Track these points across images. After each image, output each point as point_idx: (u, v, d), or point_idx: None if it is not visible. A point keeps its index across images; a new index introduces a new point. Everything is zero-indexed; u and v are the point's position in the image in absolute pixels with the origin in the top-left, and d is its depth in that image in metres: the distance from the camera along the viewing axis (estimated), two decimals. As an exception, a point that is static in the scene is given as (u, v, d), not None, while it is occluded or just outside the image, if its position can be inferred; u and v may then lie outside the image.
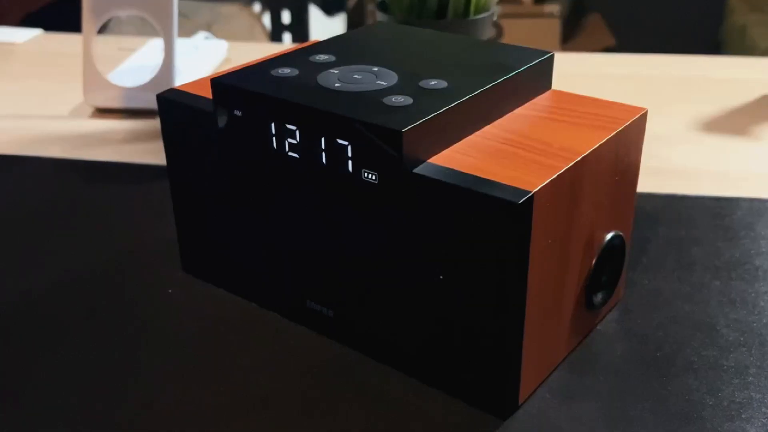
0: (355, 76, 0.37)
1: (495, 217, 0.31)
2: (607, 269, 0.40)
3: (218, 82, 0.37)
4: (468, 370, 0.35)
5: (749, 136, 0.62)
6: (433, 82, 0.36)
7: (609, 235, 0.38)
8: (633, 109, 0.38)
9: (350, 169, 0.34)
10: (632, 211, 0.40)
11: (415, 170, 0.33)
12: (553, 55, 0.40)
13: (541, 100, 0.39)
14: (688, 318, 0.41)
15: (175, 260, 0.46)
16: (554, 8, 1.83)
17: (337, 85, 0.36)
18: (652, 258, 0.46)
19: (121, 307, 0.43)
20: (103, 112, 0.67)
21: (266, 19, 1.20)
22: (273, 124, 0.36)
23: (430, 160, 0.34)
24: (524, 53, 0.40)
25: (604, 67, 0.77)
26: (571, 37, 1.89)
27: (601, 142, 0.35)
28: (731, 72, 0.75)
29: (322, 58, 0.39)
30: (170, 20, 0.64)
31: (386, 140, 0.32)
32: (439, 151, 0.34)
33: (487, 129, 0.36)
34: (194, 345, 0.40)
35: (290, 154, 0.36)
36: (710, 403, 0.36)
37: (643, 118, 0.38)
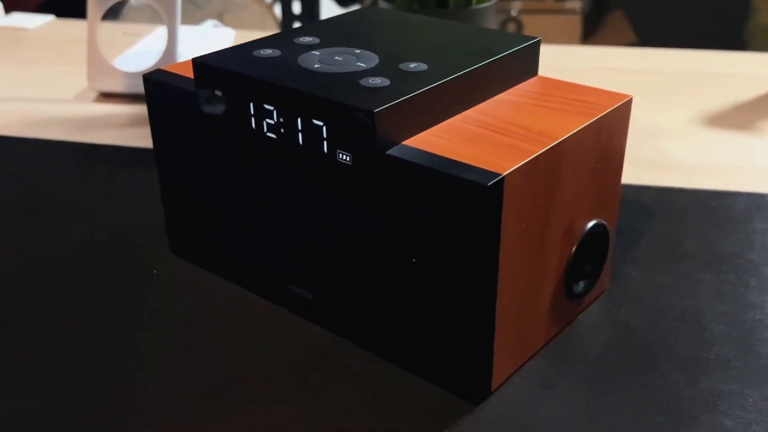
0: (336, 57, 0.37)
1: (465, 200, 0.31)
2: (590, 258, 0.39)
3: (199, 62, 0.37)
4: (441, 354, 0.35)
5: (754, 132, 0.61)
6: (413, 65, 0.36)
7: (591, 224, 0.38)
8: (617, 96, 0.38)
9: (325, 150, 0.34)
10: (617, 200, 0.40)
11: (389, 152, 0.32)
12: (539, 41, 0.40)
13: (526, 86, 0.39)
14: (674, 310, 0.41)
15: (164, 241, 0.46)
16: (575, 4, 1.81)
17: (316, 66, 0.36)
18: (642, 250, 0.46)
19: (106, 285, 0.43)
20: (106, 96, 0.68)
21: (278, 10, 1.20)
22: (252, 104, 0.36)
23: (404, 142, 0.33)
24: (510, 39, 0.39)
25: (616, 61, 0.76)
26: (593, 34, 1.87)
27: (580, 128, 0.34)
28: (743, 67, 0.74)
29: (306, 40, 0.39)
30: (173, 7, 0.64)
31: (359, 121, 0.32)
32: (415, 134, 0.34)
33: (468, 113, 0.36)
34: (174, 326, 0.40)
35: (268, 134, 0.36)
36: (689, 394, 0.35)
37: (628, 105, 0.38)
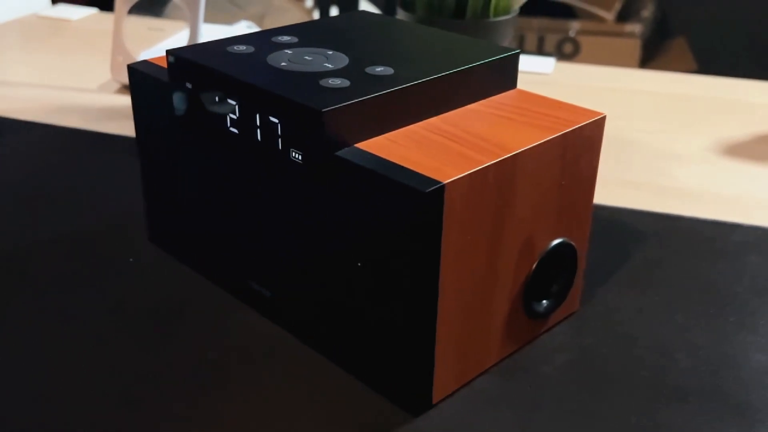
0: (306, 57, 0.37)
1: (405, 205, 0.30)
2: (555, 278, 0.38)
3: (171, 54, 0.37)
4: (383, 362, 0.34)
5: (771, 163, 0.59)
6: (379, 69, 0.36)
7: (554, 242, 0.37)
8: (589, 113, 0.37)
9: (280, 147, 0.34)
10: (587, 220, 0.39)
11: (337, 153, 0.32)
12: (518, 53, 0.39)
13: (501, 98, 0.38)
14: (643, 338, 0.39)
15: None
16: (636, 28, 1.78)
17: (283, 64, 0.36)
18: (624, 275, 0.44)
19: (79, 271, 0.44)
20: (128, 88, 0.69)
21: (316, 14, 1.21)
22: (216, 98, 0.36)
23: (357, 145, 0.33)
24: (489, 49, 0.39)
25: (647, 84, 0.74)
26: (651, 59, 1.83)
27: (539, 142, 0.34)
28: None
29: (284, 39, 0.39)
30: (197, 5, 0.65)
31: (308, 120, 0.32)
32: (370, 137, 0.34)
33: (432, 120, 0.36)
34: (133, 315, 0.40)
35: (231, 129, 0.36)
36: (638, 425, 0.34)
37: (600, 123, 0.37)
